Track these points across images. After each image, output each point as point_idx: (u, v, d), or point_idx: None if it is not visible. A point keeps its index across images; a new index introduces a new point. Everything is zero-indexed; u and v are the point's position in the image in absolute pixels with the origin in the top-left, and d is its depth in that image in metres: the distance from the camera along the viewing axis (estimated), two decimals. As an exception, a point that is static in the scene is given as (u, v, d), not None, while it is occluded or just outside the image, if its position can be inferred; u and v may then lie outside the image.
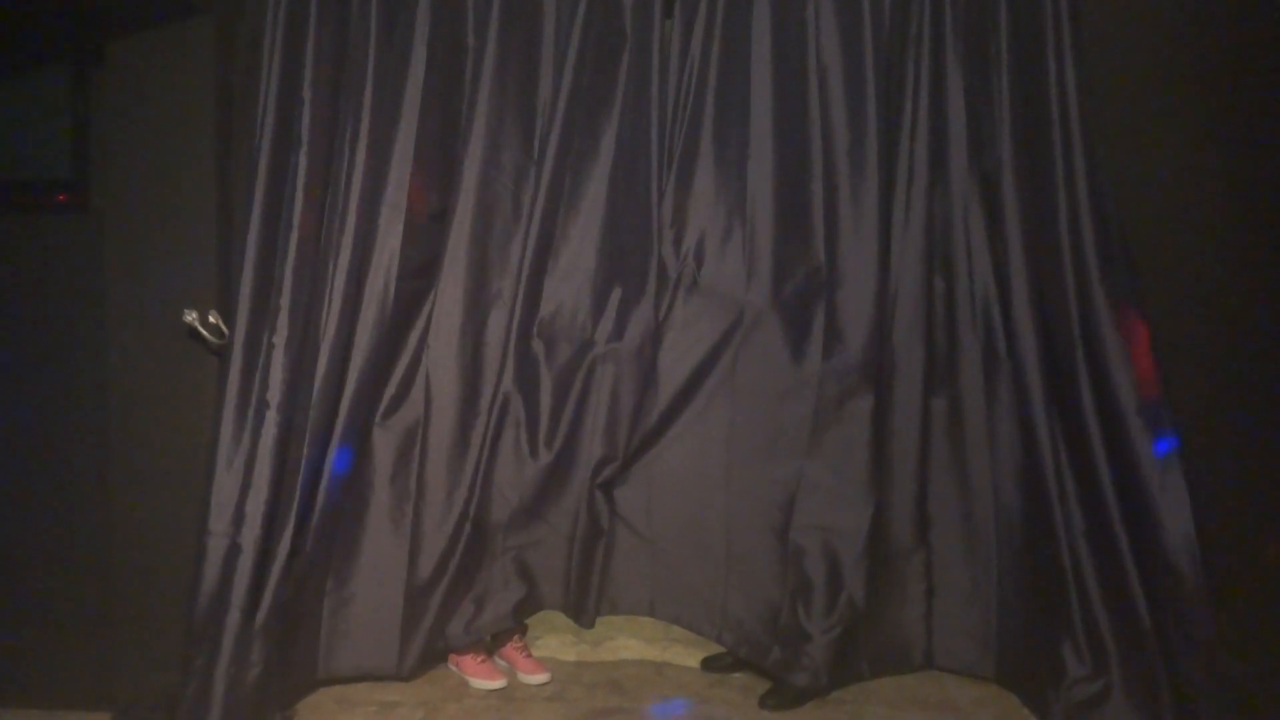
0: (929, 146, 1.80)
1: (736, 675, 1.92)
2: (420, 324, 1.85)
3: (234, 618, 1.66)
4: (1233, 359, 1.81)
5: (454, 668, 1.91)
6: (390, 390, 1.84)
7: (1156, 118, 1.85)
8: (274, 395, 1.71)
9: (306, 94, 1.77)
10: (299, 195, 1.75)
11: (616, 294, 1.84)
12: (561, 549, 1.86)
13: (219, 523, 1.69)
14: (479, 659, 1.89)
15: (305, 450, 1.71)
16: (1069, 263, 1.76)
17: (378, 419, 1.84)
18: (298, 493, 1.70)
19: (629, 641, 2.06)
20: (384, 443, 1.84)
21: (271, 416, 1.70)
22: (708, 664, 1.97)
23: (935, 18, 1.80)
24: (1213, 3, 1.86)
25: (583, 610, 1.87)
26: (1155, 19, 1.86)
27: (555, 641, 2.06)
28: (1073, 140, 1.76)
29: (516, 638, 1.96)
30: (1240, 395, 1.80)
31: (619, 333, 1.82)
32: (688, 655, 2.01)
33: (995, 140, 1.80)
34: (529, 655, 1.95)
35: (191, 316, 1.78)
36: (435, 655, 1.88)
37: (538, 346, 1.83)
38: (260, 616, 1.67)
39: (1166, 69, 1.86)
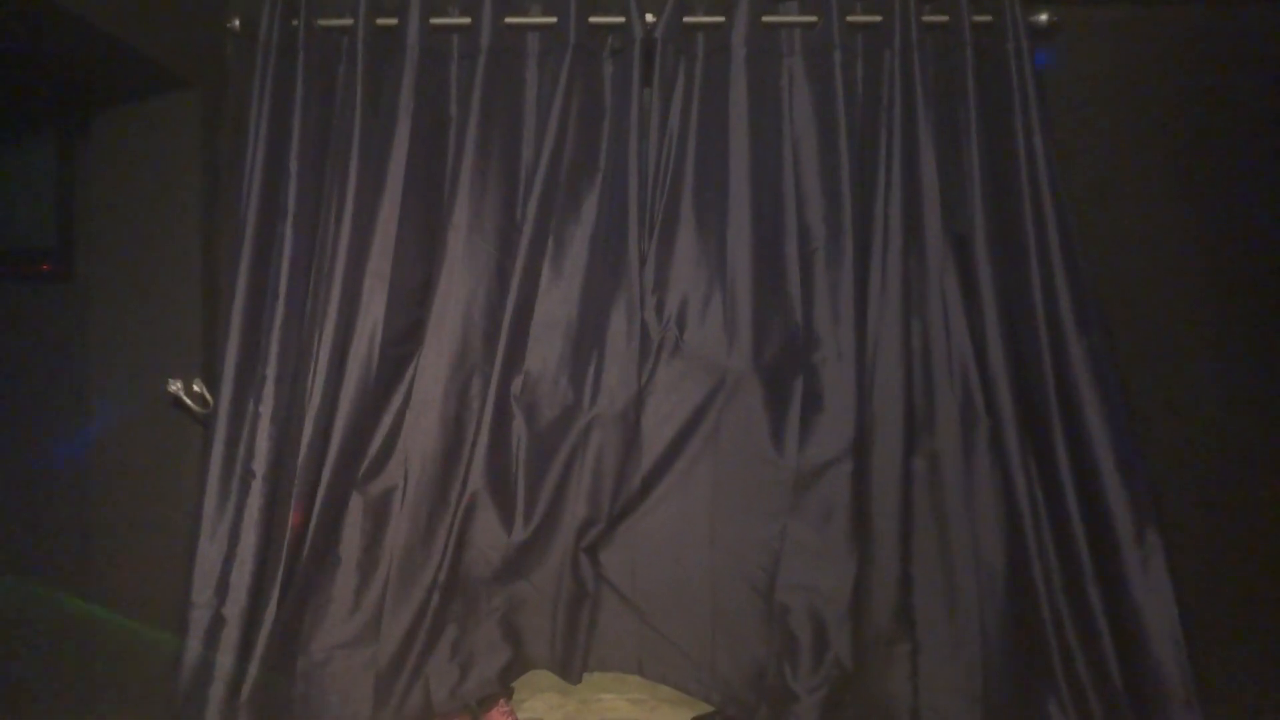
0: (902, 211, 1.83)
1: (725, 737, 1.92)
2: (403, 390, 1.86)
3: (218, 690, 1.66)
4: (1205, 412, 1.86)
5: (440, 735, 1.90)
6: (371, 455, 1.84)
7: (1124, 180, 1.92)
8: (259, 465, 1.72)
9: (292, 165, 1.80)
10: (285, 265, 1.77)
11: (599, 359, 1.85)
12: (547, 611, 1.86)
13: (202, 594, 1.69)
14: (465, 726, 1.88)
15: (290, 519, 1.71)
16: (1043, 320, 1.80)
17: (357, 483, 1.84)
18: (283, 563, 1.70)
19: (616, 702, 2.05)
20: (361, 506, 1.83)
21: (257, 486, 1.71)
22: (695, 725, 1.97)
23: (905, 86, 1.84)
24: (1178, 67, 1.93)
25: (569, 668, 1.86)
26: (1120, 84, 1.94)
27: (541, 704, 2.05)
28: (1043, 203, 1.81)
29: (502, 702, 1.94)
30: (1214, 449, 1.84)
31: (602, 398, 1.83)
32: (675, 715, 2.00)
33: (967, 204, 1.84)
34: (515, 720, 1.94)
35: (176, 386, 1.78)
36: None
37: (520, 412, 1.84)
38: (245, 689, 1.67)
39: (1132, 133, 1.93)
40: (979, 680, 1.82)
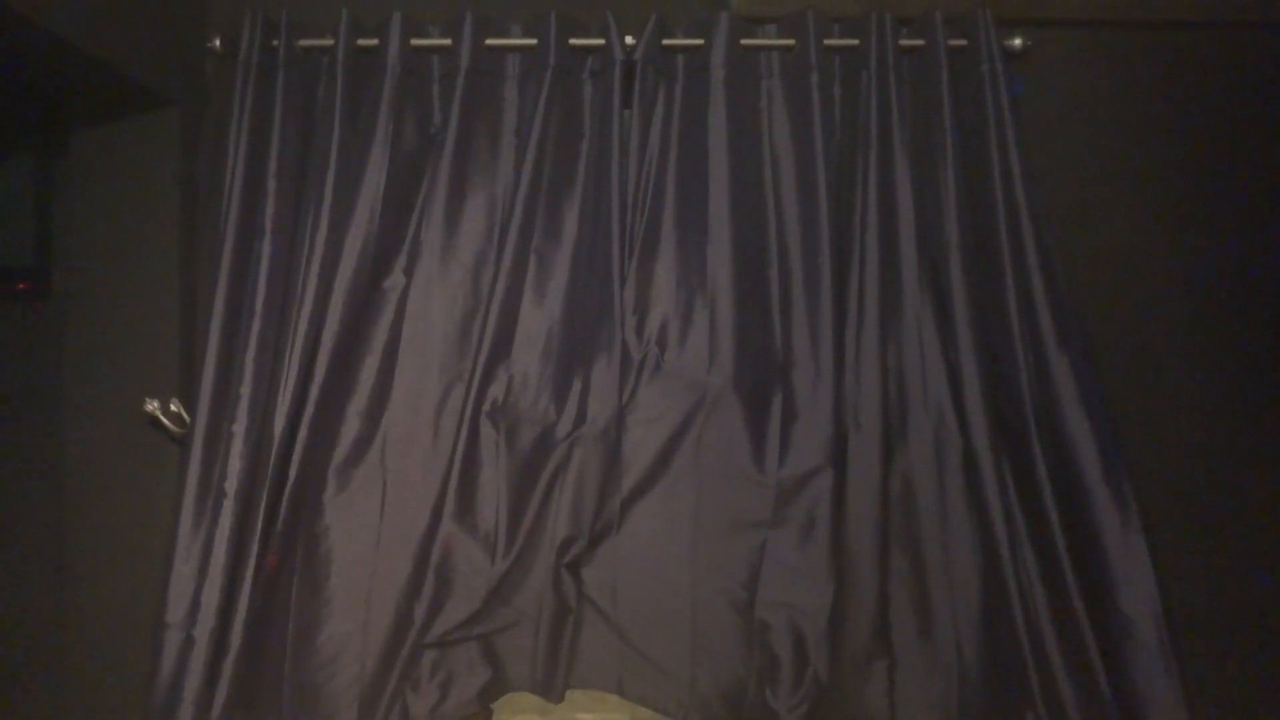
0: (879, 230, 1.84)
1: (705, 757, 1.91)
2: (369, 400, 1.85)
3: (187, 712, 1.63)
4: (1185, 426, 1.88)
5: (417, 757, 1.88)
6: (345, 473, 1.83)
7: (1098, 199, 1.95)
8: (231, 484, 1.70)
9: (271, 185, 1.80)
10: (262, 283, 1.77)
11: (580, 378, 1.85)
12: (528, 630, 1.85)
13: (175, 615, 1.67)
14: (442, 747, 1.86)
15: (257, 537, 1.70)
16: (1019, 338, 1.81)
17: (329, 495, 1.83)
18: (248, 584, 1.68)
19: (595, 722, 2.04)
20: (337, 520, 1.83)
21: (228, 505, 1.70)
22: (675, 746, 1.96)
23: (882, 108, 1.86)
24: (1150, 90, 1.97)
25: (550, 687, 1.85)
26: (1093, 106, 1.97)
27: (520, 725, 2.04)
28: (1019, 223, 1.83)
29: (481, 723, 1.93)
30: (1196, 463, 1.86)
31: (583, 416, 1.83)
32: (655, 736, 1.99)
33: (943, 224, 1.86)
34: (493, 742, 1.92)
35: (153, 405, 1.77)
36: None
37: (500, 429, 1.84)
38: (215, 711, 1.65)
39: (1106, 153, 1.96)
40: (955, 694, 1.83)
